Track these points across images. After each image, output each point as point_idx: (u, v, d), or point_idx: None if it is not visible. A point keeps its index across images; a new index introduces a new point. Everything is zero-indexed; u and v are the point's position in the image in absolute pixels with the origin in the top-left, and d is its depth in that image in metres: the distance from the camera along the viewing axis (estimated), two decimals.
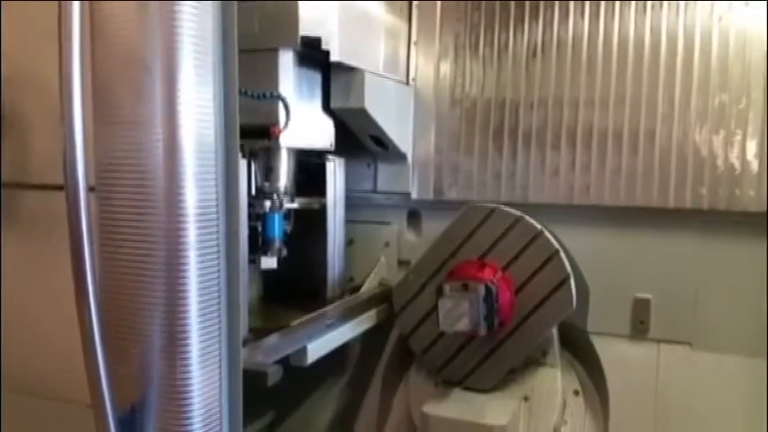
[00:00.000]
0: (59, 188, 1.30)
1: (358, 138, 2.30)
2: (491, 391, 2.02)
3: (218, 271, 1.20)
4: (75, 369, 1.17)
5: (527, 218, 1.95)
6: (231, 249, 1.24)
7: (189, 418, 1.14)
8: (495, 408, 1.92)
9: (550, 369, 2.06)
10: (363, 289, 2.35)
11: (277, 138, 1.84)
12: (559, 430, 2.03)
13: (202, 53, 1.18)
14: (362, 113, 2.08)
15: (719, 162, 1.96)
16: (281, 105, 1.84)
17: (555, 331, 2.07)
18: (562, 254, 1.91)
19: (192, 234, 1.14)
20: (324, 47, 1.89)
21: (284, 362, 1.71)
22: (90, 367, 1.09)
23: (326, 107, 2.11)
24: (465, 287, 1.82)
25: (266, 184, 1.98)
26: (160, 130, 1.14)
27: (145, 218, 1.14)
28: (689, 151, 1.98)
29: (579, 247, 2.13)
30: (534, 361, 2.07)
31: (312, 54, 1.93)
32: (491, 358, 1.98)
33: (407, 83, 2.38)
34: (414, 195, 2.39)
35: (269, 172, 1.97)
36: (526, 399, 2.02)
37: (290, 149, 1.99)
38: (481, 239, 2.00)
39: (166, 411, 1.14)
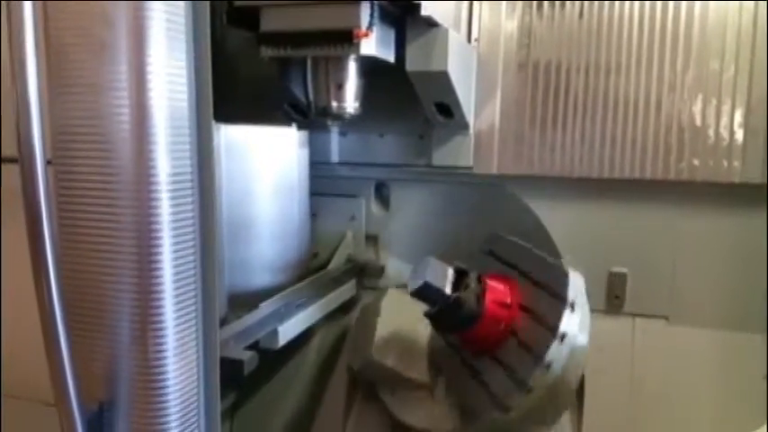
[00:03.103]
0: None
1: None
2: None
3: (195, 252, 1.09)
4: (35, 365, 1.05)
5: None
6: (207, 228, 1.13)
7: (165, 413, 1.04)
8: None
9: None
10: (331, 266, 2.27)
11: (359, 42, 1.62)
12: None
13: (174, 14, 1.05)
14: (443, 78, 1.86)
15: (701, 133, 1.92)
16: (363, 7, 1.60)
17: None
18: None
19: (165, 211, 1.03)
20: None
21: (253, 345, 1.63)
22: (53, 360, 0.97)
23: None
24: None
25: (333, 104, 1.81)
26: (126, 94, 1.01)
27: (111, 194, 1.02)
28: (672, 121, 1.94)
29: (553, 220, 2.10)
30: None
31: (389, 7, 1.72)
32: None
33: (469, 42, 2.11)
34: (475, 170, 2.14)
35: (337, 89, 1.80)
36: None
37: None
38: None
39: (140, 406, 1.04)
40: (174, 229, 1.04)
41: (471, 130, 2.12)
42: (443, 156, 2.17)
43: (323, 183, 2.28)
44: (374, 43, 1.69)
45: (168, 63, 1.05)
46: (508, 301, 1.71)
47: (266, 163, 1.93)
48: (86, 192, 1.03)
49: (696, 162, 1.92)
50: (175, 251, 1.04)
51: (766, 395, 1.83)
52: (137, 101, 1.02)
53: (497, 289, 1.71)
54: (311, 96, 1.87)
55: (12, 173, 1.06)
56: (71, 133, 1.04)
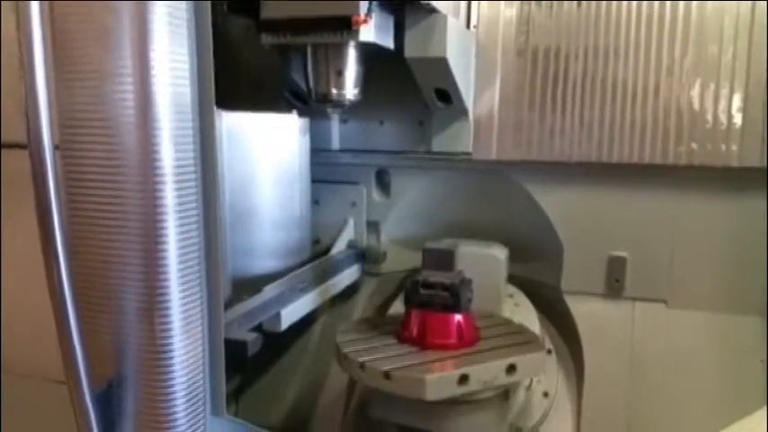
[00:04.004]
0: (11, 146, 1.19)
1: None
2: None
3: (199, 235, 1.11)
4: (43, 344, 1.09)
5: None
6: (210, 212, 1.16)
7: (172, 392, 1.07)
8: None
9: None
10: (332, 252, 2.29)
11: (358, 28, 1.63)
12: (531, 387, 2.04)
13: (176, 2, 1.08)
14: (442, 64, 1.86)
15: (699, 117, 1.92)
16: None
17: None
18: None
19: (169, 195, 1.06)
20: None
21: (257, 328, 1.66)
22: (63, 340, 1.00)
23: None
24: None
25: (333, 91, 1.82)
26: (130, 80, 1.03)
27: (117, 178, 1.05)
28: (671, 106, 1.94)
29: (554, 203, 2.11)
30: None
31: None
32: None
33: (468, 28, 2.10)
34: (474, 156, 2.14)
35: (337, 75, 1.81)
36: None
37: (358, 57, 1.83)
38: None
39: (147, 384, 1.07)
40: (179, 212, 1.07)
41: (471, 116, 2.13)
42: (443, 142, 2.18)
43: (324, 170, 2.30)
44: (373, 30, 1.70)
45: (171, 50, 1.07)
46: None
47: (268, 150, 1.95)
48: (93, 176, 1.05)
49: (694, 146, 1.93)
50: (180, 234, 1.07)
51: (766, 378, 1.85)
52: (141, 88, 1.04)
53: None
54: (311, 83, 1.89)
55: (20, 158, 1.09)
56: (78, 119, 1.06)
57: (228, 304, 1.58)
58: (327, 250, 2.31)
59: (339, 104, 1.92)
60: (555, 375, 2.13)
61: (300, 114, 2.08)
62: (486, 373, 1.53)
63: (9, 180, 1.21)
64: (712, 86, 1.90)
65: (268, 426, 1.52)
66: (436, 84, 2.00)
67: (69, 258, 0.99)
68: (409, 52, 1.85)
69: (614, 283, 2.09)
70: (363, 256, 2.38)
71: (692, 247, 2.00)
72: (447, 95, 2.04)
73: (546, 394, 2.09)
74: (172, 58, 1.08)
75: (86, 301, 1.05)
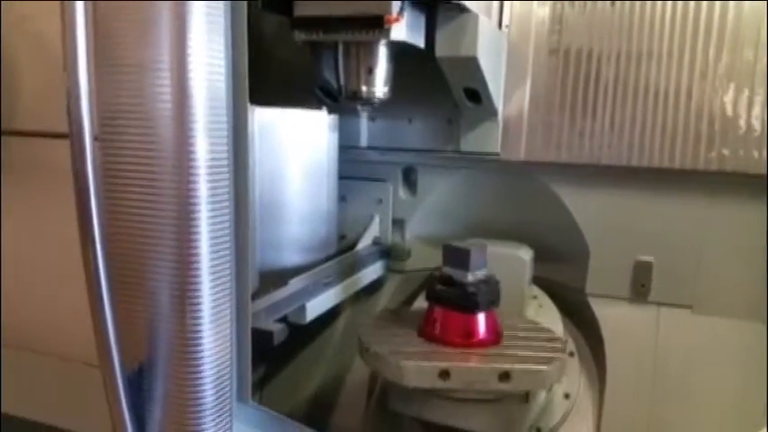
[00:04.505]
0: (53, 136, 1.24)
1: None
2: None
3: (230, 227, 1.14)
4: (71, 326, 1.13)
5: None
6: (241, 205, 1.19)
7: (200, 378, 1.11)
8: None
9: None
10: (358, 247, 2.31)
11: (390, 27, 1.64)
12: (553, 389, 2.04)
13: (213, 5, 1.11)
14: (472, 63, 1.87)
15: (732, 123, 1.89)
16: None
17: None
18: None
19: (203, 188, 1.08)
20: None
21: (282, 319, 1.70)
22: (98, 324, 1.04)
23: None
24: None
25: (363, 88, 1.84)
26: (168, 74, 1.07)
27: (153, 169, 1.08)
28: (703, 110, 1.92)
29: (580, 207, 2.11)
30: None
31: None
32: None
33: (500, 28, 2.11)
34: (503, 156, 2.15)
35: (368, 73, 1.82)
36: None
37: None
38: None
39: (177, 369, 1.11)
40: (212, 203, 1.09)
41: (500, 117, 2.13)
42: (471, 141, 2.18)
43: (352, 166, 2.33)
44: (404, 29, 1.71)
45: (208, 46, 1.10)
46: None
47: (298, 145, 1.98)
48: (130, 167, 1.09)
49: (726, 152, 1.90)
50: (212, 225, 1.10)
51: None
52: (177, 82, 1.07)
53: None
54: (342, 80, 1.91)
55: (59, 148, 1.14)
56: (116, 111, 1.10)
57: (256, 295, 1.61)
58: (353, 246, 2.34)
59: (369, 102, 1.94)
60: (577, 377, 2.13)
61: (330, 111, 2.11)
62: (473, 375, 1.57)
63: (54, 169, 1.26)
64: (746, 92, 1.87)
65: (291, 415, 1.55)
66: (466, 83, 2.00)
67: (106, 246, 1.02)
68: (440, 51, 1.86)
69: (640, 288, 2.08)
70: (388, 252, 2.40)
71: (719, 253, 1.98)
72: (477, 95, 2.04)
73: (567, 396, 2.10)
74: (208, 53, 1.11)
75: (121, 288, 1.09)
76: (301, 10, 1.75)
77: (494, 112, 2.11)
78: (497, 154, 2.15)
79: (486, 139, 2.15)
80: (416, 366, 1.58)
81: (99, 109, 1.10)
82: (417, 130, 2.30)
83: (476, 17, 1.82)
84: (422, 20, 1.85)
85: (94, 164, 1.01)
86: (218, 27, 1.13)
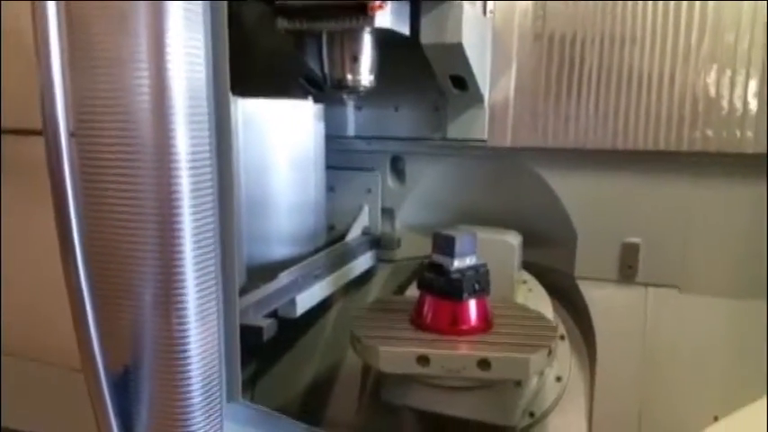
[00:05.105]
0: (33, 133, 1.20)
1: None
2: None
3: (214, 222, 1.12)
4: (57, 330, 1.10)
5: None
6: (226, 199, 1.16)
7: (188, 378, 1.08)
8: None
9: None
10: (347, 239, 2.29)
11: (374, 14, 1.64)
12: (544, 372, 2.05)
13: None
14: (457, 50, 1.85)
15: (715, 103, 1.89)
16: None
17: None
18: None
19: (185, 183, 1.06)
20: None
21: (272, 314, 1.67)
22: (80, 327, 1.01)
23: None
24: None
25: (348, 77, 1.83)
26: (146, 66, 1.03)
27: (132, 164, 1.05)
28: (686, 92, 1.91)
29: (567, 191, 2.10)
30: None
31: None
32: None
33: (485, 15, 2.07)
34: (489, 142, 2.13)
35: (353, 61, 1.81)
36: None
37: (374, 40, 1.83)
38: None
39: (164, 370, 1.08)
40: (194, 198, 1.07)
41: (486, 103, 2.11)
42: (458, 128, 2.16)
43: (339, 156, 2.30)
44: (389, 15, 1.69)
45: (187, 36, 1.06)
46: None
47: (283, 136, 1.95)
48: (109, 163, 1.06)
49: (710, 133, 1.90)
50: (195, 220, 1.07)
51: None
52: (156, 74, 1.04)
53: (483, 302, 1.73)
54: (326, 69, 1.88)
55: (34, 145, 1.10)
56: (93, 106, 1.06)
57: (244, 291, 1.59)
58: (342, 237, 2.31)
59: (354, 90, 1.92)
60: (568, 360, 2.14)
61: (315, 101, 2.08)
62: (451, 361, 1.57)
63: (28, 167, 1.22)
64: (728, 73, 1.87)
65: (285, 410, 1.53)
66: (452, 70, 1.98)
67: (85, 245, 0.99)
68: (425, 39, 1.84)
69: (627, 270, 2.08)
70: (378, 242, 2.38)
71: (705, 232, 1.99)
72: (463, 82, 2.03)
73: (559, 379, 2.11)
74: (187, 44, 1.07)
75: (102, 289, 1.06)
76: None
77: (480, 99, 2.10)
78: (484, 141, 2.13)
79: (472, 126, 2.14)
80: (393, 352, 1.58)
81: (75, 104, 1.06)
82: (404, 118, 2.28)
83: (460, 4, 1.80)
84: (406, 7, 1.82)
85: (71, 161, 0.98)
86: (197, 17, 1.10)
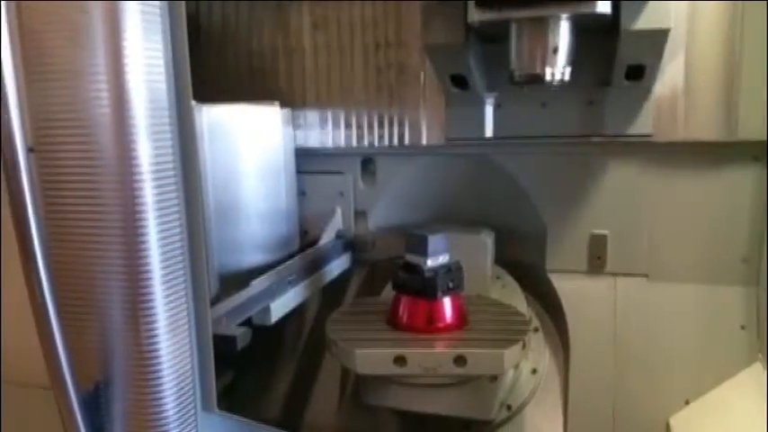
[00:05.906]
0: None
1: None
2: None
3: (181, 233, 1.11)
4: (27, 351, 1.08)
5: None
6: (192, 209, 1.15)
7: (160, 391, 1.07)
8: None
9: None
10: (321, 242, 2.28)
11: None
12: (519, 366, 2.07)
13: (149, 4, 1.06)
14: (661, 37, 1.71)
15: (675, 91, 1.91)
16: None
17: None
18: None
19: (149, 194, 1.05)
20: None
21: (246, 322, 1.66)
22: (45, 344, 0.99)
23: None
24: None
25: (547, 69, 1.65)
26: (104, 78, 1.02)
27: (94, 179, 1.03)
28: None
29: (536, 185, 2.13)
30: None
31: None
32: None
33: None
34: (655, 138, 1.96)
35: (554, 53, 1.63)
36: None
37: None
38: None
39: (136, 384, 1.07)
40: (159, 210, 1.06)
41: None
42: (618, 123, 2.01)
43: (309, 160, 2.29)
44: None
45: (145, 46, 1.06)
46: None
47: (251, 142, 1.94)
48: (70, 177, 1.04)
49: (674, 122, 1.94)
50: (161, 232, 1.06)
51: (746, 344, 1.91)
52: (115, 85, 1.03)
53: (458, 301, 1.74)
54: (515, 63, 1.72)
55: None
56: (51, 120, 1.05)
57: (216, 300, 1.57)
58: (316, 241, 2.30)
59: (549, 85, 1.73)
60: (543, 352, 2.16)
61: (282, 105, 2.07)
62: (428, 360, 1.58)
63: None
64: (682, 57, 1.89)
65: (264, 418, 1.52)
66: (642, 58, 1.80)
67: (49, 262, 0.98)
68: (627, 24, 1.66)
69: (596, 261, 2.11)
70: (352, 245, 2.38)
71: (671, 221, 2.02)
72: (641, 72, 1.85)
73: (534, 371, 2.14)
74: (145, 54, 1.06)
75: (68, 305, 1.04)
76: None
77: (648, 90, 1.94)
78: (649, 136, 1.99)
79: (635, 121, 1.98)
80: (369, 353, 1.59)
81: (32, 119, 1.05)
82: (553, 114, 2.07)
83: None
84: None
85: (30, 177, 0.96)
86: (155, 26, 1.09)
